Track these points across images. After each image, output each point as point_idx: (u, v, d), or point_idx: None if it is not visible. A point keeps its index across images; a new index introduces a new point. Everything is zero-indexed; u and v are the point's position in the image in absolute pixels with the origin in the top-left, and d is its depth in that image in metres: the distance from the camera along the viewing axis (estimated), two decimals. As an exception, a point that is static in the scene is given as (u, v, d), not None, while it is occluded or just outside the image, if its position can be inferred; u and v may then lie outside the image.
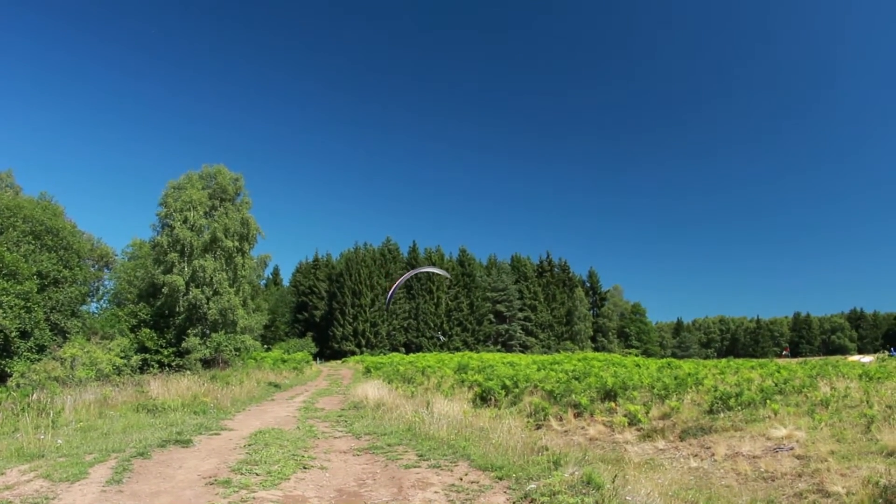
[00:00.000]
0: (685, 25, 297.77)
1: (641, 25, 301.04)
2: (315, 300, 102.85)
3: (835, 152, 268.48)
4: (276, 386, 34.52)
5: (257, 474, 9.86)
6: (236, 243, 42.67)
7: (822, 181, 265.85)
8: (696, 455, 16.15)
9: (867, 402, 18.54)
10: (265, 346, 69.66)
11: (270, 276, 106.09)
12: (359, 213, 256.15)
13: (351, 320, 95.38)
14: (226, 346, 39.89)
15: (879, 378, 24.58)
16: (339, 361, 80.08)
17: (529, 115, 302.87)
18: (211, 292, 40.26)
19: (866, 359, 62.89)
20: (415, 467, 10.70)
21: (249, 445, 12.72)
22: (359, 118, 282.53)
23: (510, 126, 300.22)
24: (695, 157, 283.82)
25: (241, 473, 9.94)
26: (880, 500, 10.44)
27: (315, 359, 78.38)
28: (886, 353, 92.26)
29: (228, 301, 40.51)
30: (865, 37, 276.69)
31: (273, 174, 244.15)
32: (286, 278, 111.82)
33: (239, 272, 43.40)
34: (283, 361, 50.22)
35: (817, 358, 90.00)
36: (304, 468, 10.53)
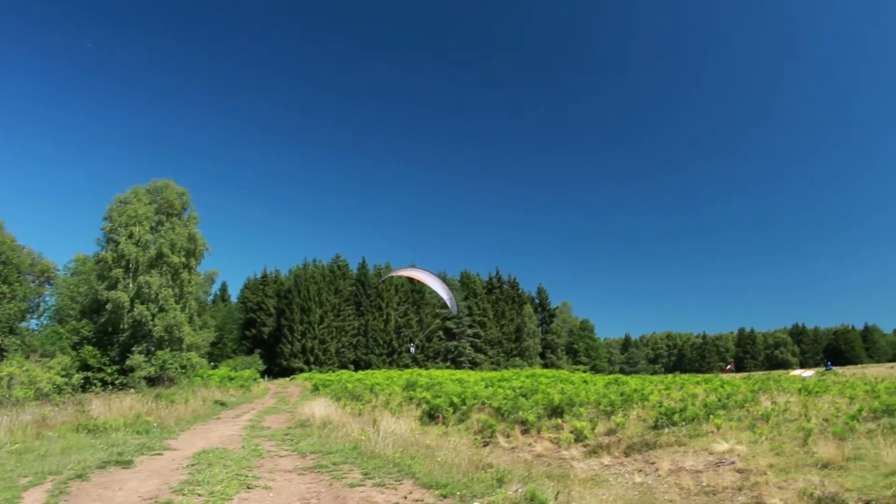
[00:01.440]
0: (634, 50, 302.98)
1: (591, 48, 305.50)
2: (263, 317, 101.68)
3: (775, 176, 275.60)
4: (223, 404, 34.03)
5: (199, 495, 9.72)
6: (183, 259, 42.09)
7: (764, 203, 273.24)
8: (640, 470, 16.30)
9: (805, 415, 18.92)
10: (212, 363, 68.59)
11: (218, 293, 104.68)
12: (308, 230, 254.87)
13: (299, 337, 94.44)
14: (171, 363, 39.23)
15: (818, 392, 25.13)
16: (287, 379, 79.08)
17: (479, 132, 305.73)
18: (156, 309, 39.62)
19: (807, 373, 64.34)
20: (359, 486, 10.66)
21: (192, 465, 12.51)
22: (307, 135, 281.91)
23: (460, 143, 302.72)
24: (643, 177, 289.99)
25: (183, 494, 9.79)
26: (815, 512, 10.68)
27: (263, 376, 77.37)
28: (823, 367, 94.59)
29: (174, 318, 39.92)
30: (805, 70, 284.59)
31: (221, 190, 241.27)
32: (234, 294, 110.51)
33: (185, 288, 42.81)
34: (231, 379, 49.51)
35: (761, 372, 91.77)
36: (248, 488, 10.41)
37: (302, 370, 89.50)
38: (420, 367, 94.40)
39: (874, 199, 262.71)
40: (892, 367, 74.31)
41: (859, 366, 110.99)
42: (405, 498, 9.78)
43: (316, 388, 47.58)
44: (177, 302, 41.34)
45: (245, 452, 14.68)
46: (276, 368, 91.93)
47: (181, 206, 44.35)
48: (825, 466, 13.38)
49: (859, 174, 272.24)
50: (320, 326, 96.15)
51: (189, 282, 43.10)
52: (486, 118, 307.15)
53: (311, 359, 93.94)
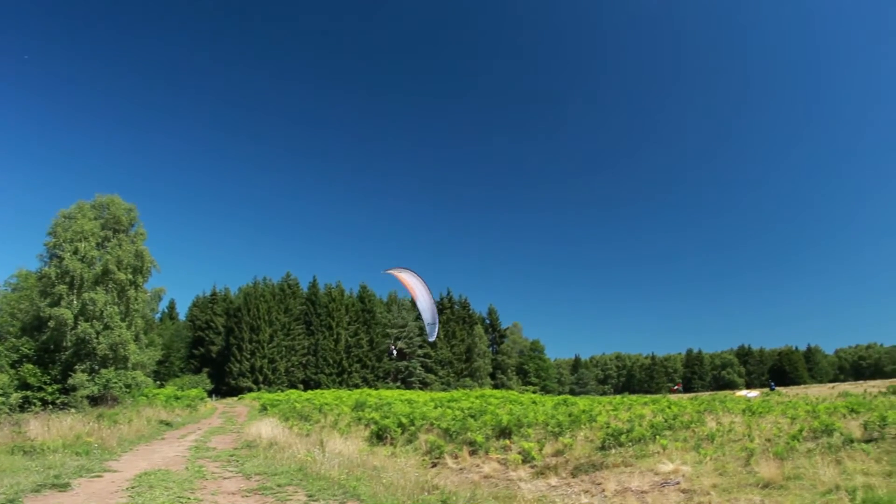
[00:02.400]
0: (585, 78, 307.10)
1: (542, 72, 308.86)
2: (212, 335, 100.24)
3: (723, 204, 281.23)
4: (168, 424, 33.41)
5: (138, 518, 9.53)
6: (129, 276, 41.32)
7: (711, 228, 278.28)
8: (587, 491, 16.37)
9: (749, 436, 19.21)
10: (158, 382, 67.38)
11: (166, 311, 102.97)
12: (258, 248, 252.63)
13: (248, 356, 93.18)
14: (115, 382, 38.35)
15: (761, 413, 25.54)
16: (235, 398, 77.89)
17: (432, 155, 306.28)
18: (101, 326, 38.76)
19: (752, 393, 65.35)
20: (304, 508, 10.56)
21: (133, 488, 12.19)
22: (255, 154, 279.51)
23: (409, 164, 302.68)
24: (593, 203, 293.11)
25: (122, 518, 9.59)
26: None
27: (211, 396, 76.22)
28: (768, 387, 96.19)
29: (120, 336, 39.06)
30: (754, 99, 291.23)
31: (170, 207, 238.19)
32: (182, 312, 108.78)
33: (132, 306, 42.00)
34: (177, 398, 48.66)
35: (708, 393, 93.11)
36: (190, 511, 10.25)
37: (251, 389, 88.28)
38: (370, 386, 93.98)
39: (817, 226, 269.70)
40: (833, 388, 75.76)
41: (802, 386, 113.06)
42: (349, 520, 9.72)
43: (264, 408, 47.02)
44: (122, 319, 40.51)
45: (188, 474, 14.40)
46: (224, 388, 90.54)
47: (129, 222, 43.60)
48: (766, 486, 13.61)
49: (803, 204, 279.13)
50: (270, 345, 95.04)
51: (135, 299, 42.29)
52: (439, 141, 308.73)
53: (261, 378, 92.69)
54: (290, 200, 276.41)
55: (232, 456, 18.66)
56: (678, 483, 15.20)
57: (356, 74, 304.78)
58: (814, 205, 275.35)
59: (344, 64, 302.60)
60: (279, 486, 12.69)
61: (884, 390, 47.46)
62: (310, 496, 11.56)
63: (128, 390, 39.44)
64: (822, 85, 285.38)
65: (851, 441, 16.00)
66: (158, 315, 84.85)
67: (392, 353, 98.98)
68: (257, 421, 31.53)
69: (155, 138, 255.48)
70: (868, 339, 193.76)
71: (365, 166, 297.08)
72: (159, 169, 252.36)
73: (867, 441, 15.79)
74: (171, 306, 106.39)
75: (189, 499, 11.16)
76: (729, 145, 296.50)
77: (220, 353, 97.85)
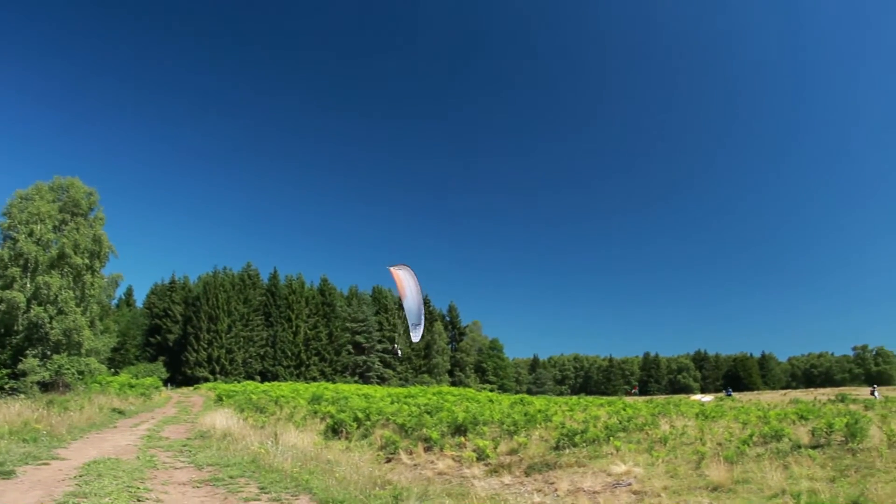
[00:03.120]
0: (541, 71, 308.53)
1: (505, 65, 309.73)
2: (169, 324, 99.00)
3: (681, 211, 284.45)
4: (121, 412, 32.91)
5: (85, 508, 9.36)
6: (86, 261, 40.74)
7: (670, 234, 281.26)
8: (540, 490, 16.45)
9: (701, 439, 19.47)
10: (112, 369, 66.47)
11: (123, 297, 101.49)
12: (219, 237, 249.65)
13: (206, 346, 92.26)
14: (68, 368, 37.77)
15: (714, 417, 25.92)
16: (191, 388, 77.00)
17: (391, 152, 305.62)
18: (55, 311, 38.16)
19: (707, 398, 66.14)
20: (254, 500, 10.43)
21: (81, 476, 11.91)
22: (218, 144, 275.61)
23: (372, 162, 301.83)
24: (555, 206, 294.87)
25: (68, 507, 9.41)
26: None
27: (166, 385, 75.41)
28: (724, 392, 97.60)
29: (74, 321, 38.49)
30: (703, 102, 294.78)
31: (131, 192, 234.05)
32: (140, 300, 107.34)
33: (87, 291, 41.41)
34: (131, 387, 48.00)
35: (663, 396, 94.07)
36: (138, 501, 10.01)
37: (207, 380, 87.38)
38: (328, 380, 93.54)
39: (775, 238, 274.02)
40: (785, 394, 77.12)
41: (756, 392, 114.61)
42: (301, 514, 9.66)
43: (220, 399, 46.60)
44: (77, 305, 39.93)
45: (139, 463, 14.19)
46: (180, 377, 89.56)
47: (88, 206, 42.97)
48: (715, 489, 13.79)
49: (760, 213, 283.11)
50: (228, 336, 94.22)
51: (92, 284, 41.71)
52: (401, 140, 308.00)
53: (217, 368, 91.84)
54: (252, 191, 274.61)
55: (185, 446, 18.45)
56: (630, 484, 15.34)
57: (313, 68, 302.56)
58: (771, 217, 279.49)
59: (303, 55, 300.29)
60: (231, 477, 12.56)
61: (832, 398, 48.28)
62: (262, 488, 11.46)
63: (80, 377, 38.86)
64: (795, 101, 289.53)
65: (799, 447, 16.29)
66: (115, 301, 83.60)
67: (397, 353, 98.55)
68: (212, 411, 31.22)
69: (118, 122, 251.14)
70: (820, 348, 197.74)
71: (327, 162, 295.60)
72: (122, 153, 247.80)
73: (814, 447, 16.08)
74: (129, 293, 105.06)
75: (138, 488, 10.97)
76: (692, 155, 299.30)
77: (177, 341, 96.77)
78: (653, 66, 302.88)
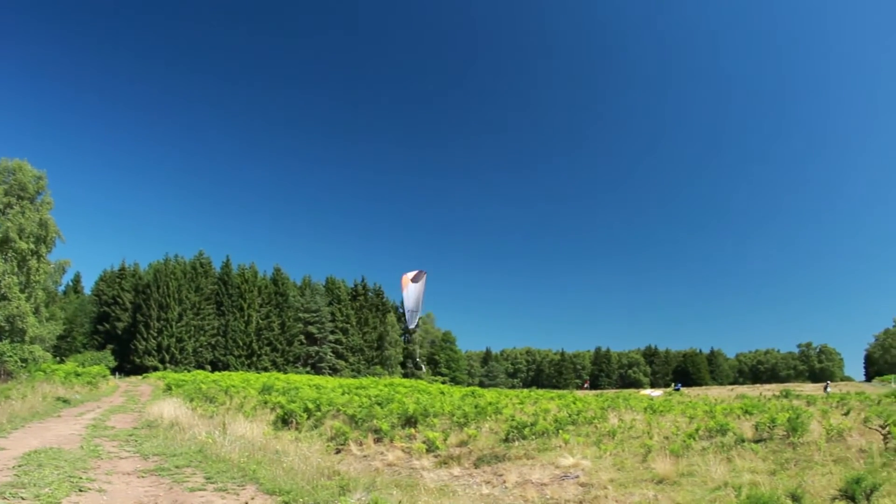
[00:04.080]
0: (494, 50, 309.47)
1: (450, 51, 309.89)
2: (118, 311, 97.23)
3: (632, 206, 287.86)
4: (66, 401, 32.31)
5: (23, 498, 9.07)
6: (32, 246, 39.89)
7: (623, 230, 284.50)
8: (488, 482, 16.54)
9: (648, 433, 19.76)
10: (58, 357, 65.36)
11: (70, 284, 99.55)
12: (171, 224, 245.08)
13: (156, 334, 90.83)
14: (10, 356, 36.96)
15: (662, 411, 26.32)
16: (139, 377, 75.71)
17: (345, 139, 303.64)
18: (-3, 297, 37.40)
19: (656, 392, 67.31)
20: (200, 490, 10.35)
21: (20, 466, 11.63)
22: (171, 126, 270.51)
23: (326, 150, 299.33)
24: (508, 197, 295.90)
25: (4, 498, 9.15)
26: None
27: (114, 373, 74.12)
28: (672, 387, 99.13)
29: (18, 308, 37.69)
30: (663, 97, 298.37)
31: (80, 175, 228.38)
32: (88, 286, 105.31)
33: (32, 277, 40.57)
34: (77, 375, 47.11)
35: (613, 390, 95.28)
36: (80, 491, 9.85)
37: (156, 368, 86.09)
38: (280, 370, 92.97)
39: (725, 235, 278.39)
40: (732, 390, 78.66)
41: (704, 387, 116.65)
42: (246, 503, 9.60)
43: (169, 388, 46.00)
44: (22, 291, 39.10)
45: (82, 453, 13.95)
46: (128, 366, 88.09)
47: (35, 189, 42.06)
48: (661, 481, 14.01)
49: (709, 213, 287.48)
50: (178, 324, 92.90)
51: (37, 270, 40.87)
52: (356, 128, 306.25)
53: (167, 357, 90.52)
54: (205, 178, 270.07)
55: (131, 436, 18.22)
56: (577, 477, 15.50)
57: (263, 49, 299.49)
58: (721, 218, 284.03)
59: (259, 38, 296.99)
60: (177, 467, 12.44)
61: (777, 393, 49.45)
62: (208, 478, 11.37)
63: (23, 364, 38.07)
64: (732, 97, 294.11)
65: (743, 441, 16.63)
66: (62, 288, 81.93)
67: (420, 367, 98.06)
68: (160, 401, 30.83)
69: (69, 103, 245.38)
70: (767, 345, 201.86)
71: (281, 150, 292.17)
72: (72, 136, 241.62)
73: (757, 441, 16.42)
74: (77, 279, 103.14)
75: (80, 478, 10.79)
76: (647, 151, 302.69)
77: (127, 330, 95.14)
78: (593, 56, 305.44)
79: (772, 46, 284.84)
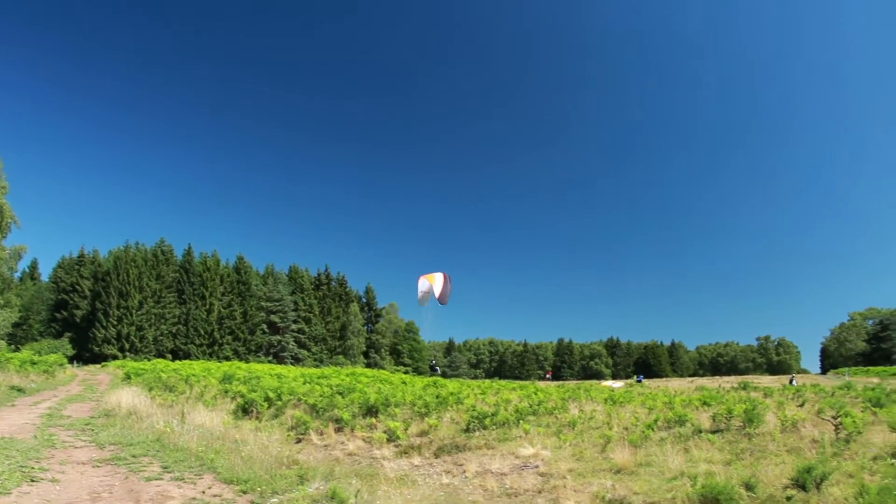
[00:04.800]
0: (454, 46, 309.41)
1: (409, 44, 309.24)
2: (77, 299, 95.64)
3: (596, 199, 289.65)
4: (21, 390, 31.76)
5: (-29, 489, 8.98)
6: (-14, 232, 39.24)
7: (585, 224, 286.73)
8: (448, 472, 16.57)
9: (608, 424, 19.95)
10: (13, 346, 64.23)
11: (27, 270, 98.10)
12: (132, 210, 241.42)
13: (115, 322, 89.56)
14: (-38, 343, 36.35)
15: (622, 402, 26.56)
16: (98, 366, 74.56)
17: (309, 129, 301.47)
18: (-50, 283, 36.71)
19: (617, 384, 67.89)
20: (157, 480, 10.26)
21: (-30, 456, 11.53)
22: (131, 111, 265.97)
23: (288, 139, 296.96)
24: (472, 189, 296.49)
25: (-48, 488, 9.03)
26: (605, 513, 11.30)
27: (72, 362, 73.07)
28: (634, 379, 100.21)
29: (-29, 294, 37.09)
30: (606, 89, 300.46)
31: (37, 161, 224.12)
32: (45, 273, 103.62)
33: (-13, 263, 39.92)
34: (33, 363, 46.27)
35: (575, 382, 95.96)
36: (32, 481, 9.69)
37: (116, 357, 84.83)
38: (241, 360, 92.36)
39: (686, 228, 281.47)
40: (691, 382, 79.48)
41: (664, 379, 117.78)
42: (203, 493, 9.52)
43: (128, 377, 45.41)
44: (-24, 277, 38.47)
45: (36, 443, 13.72)
46: (87, 354, 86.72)
47: (-10, 175, 41.32)
48: (619, 471, 14.15)
49: (673, 207, 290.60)
50: (139, 312, 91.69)
51: (-8, 256, 40.20)
52: (319, 116, 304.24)
53: (127, 346, 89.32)
54: (166, 165, 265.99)
55: (87, 425, 17.97)
56: (537, 467, 15.60)
57: (225, 41, 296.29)
58: (684, 211, 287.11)
59: (216, 24, 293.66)
60: (134, 456, 12.31)
61: (736, 385, 50.05)
62: (164, 467, 11.28)
63: (-25, 353, 37.34)
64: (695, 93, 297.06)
65: (700, 431, 16.86)
66: (18, 274, 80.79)
67: (435, 370, 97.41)
68: (119, 390, 30.43)
69: (25, 86, 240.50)
70: (726, 338, 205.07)
71: (244, 139, 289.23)
72: (30, 120, 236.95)
73: (714, 432, 16.66)
74: (34, 266, 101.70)
75: (33, 468, 10.62)
76: (608, 143, 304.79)
77: (85, 318, 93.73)
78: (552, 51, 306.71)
79: (736, 46, 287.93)
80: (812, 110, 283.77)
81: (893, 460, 11.72)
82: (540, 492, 13.85)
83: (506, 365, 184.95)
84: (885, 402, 22.36)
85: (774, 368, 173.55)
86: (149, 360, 78.78)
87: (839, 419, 14.90)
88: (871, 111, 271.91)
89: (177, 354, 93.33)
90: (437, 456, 18.43)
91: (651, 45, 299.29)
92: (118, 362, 74.75)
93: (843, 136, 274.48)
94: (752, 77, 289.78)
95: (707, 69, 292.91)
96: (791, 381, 58.12)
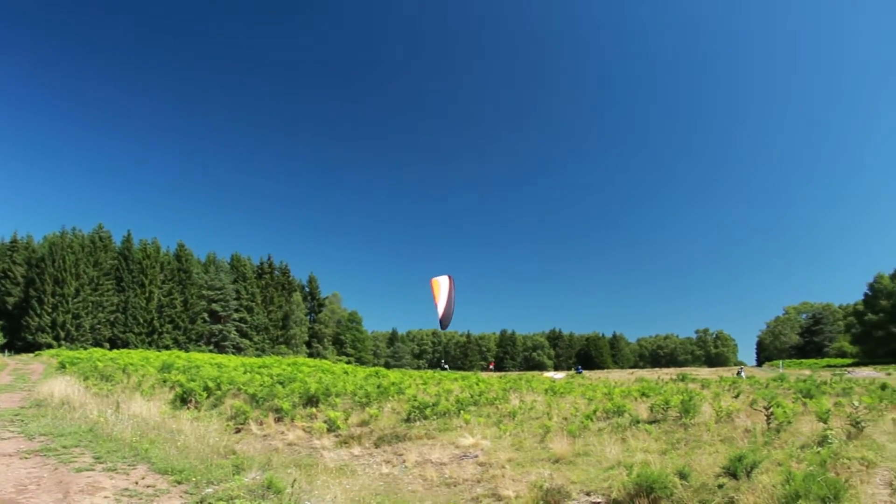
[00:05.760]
0: (414, 29, 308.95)
1: (373, 29, 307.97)
2: (9, 286, 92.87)
3: (538, 190, 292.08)
4: (-55, 380, 30.95)
5: None
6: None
7: (527, 216, 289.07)
8: (388, 462, 16.61)
9: (548, 414, 20.18)
10: (-59, 335, 62.46)
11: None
12: (68, 195, 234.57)
13: (50, 310, 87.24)
14: None
15: (562, 393, 26.90)
16: (31, 355, 72.79)
17: (250, 114, 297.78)
18: None
19: (559, 375, 68.63)
20: (88, 471, 10.04)
21: None
22: (65, 96, 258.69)
23: (231, 126, 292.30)
24: (416, 180, 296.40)
25: None
26: (542, 502, 11.41)
27: (3, 351, 71.40)
28: (575, 370, 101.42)
29: None
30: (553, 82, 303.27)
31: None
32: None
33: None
34: (-40, 352, 45.20)
35: (517, 372, 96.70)
36: (-48, 474, 9.48)
37: (50, 346, 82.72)
38: (182, 349, 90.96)
39: (629, 222, 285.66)
40: (632, 373, 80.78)
41: (605, 370, 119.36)
42: (136, 483, 9.35)
43: (63, 366, 44.43)
44: None
45: (-39, 433, 13.40)
46: (19, 343, 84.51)
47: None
48: (557, 461, 14.34)
49: (616, 203, 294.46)
50: (75, 300, 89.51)
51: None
52: (261, 104, 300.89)
53: (62, 334, 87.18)
54: (104, 149, 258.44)
55: (17, 415, 17.49)
56: (476, 456, 15.71)
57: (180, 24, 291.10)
58: (628, 206, 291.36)
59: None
60: (64, 447, 12.03)
61: (674, 377, 50.96)
62: (97, 458, 11.04)
63: None
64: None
65: (638, 422, 17.17)
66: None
67: (443, 365, 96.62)
68: (52, 379, 29.78)
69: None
70: (667, 330, 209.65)
71: (182, 126, 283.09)
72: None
73: (651, 422, 16.98)
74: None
75: (-45, 461, 10.36)
76: (555, 138, 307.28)
77: (18, 305, 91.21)
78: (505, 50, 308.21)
79: (684, 47, 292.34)
80: (750, 108, 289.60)
81: (819, 448, 12.09)
82: (479, 481, 13.95)
83: (449, 355, 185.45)
84: (815, 394, 23.11)
85: (713, 361, 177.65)
86: (85, 348, 77.16)
87: (771, 410, 15.32)
88: (805, 109, 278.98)
89: (115, 343, 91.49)
90: (377, 446, 18.46)
91: (600, 42, 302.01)
92: (53, 351, 73.08)
93: (780, 131, 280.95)
94: (694, 77, 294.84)
95: (652, 71, 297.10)
96: (739, 373, 59.13)
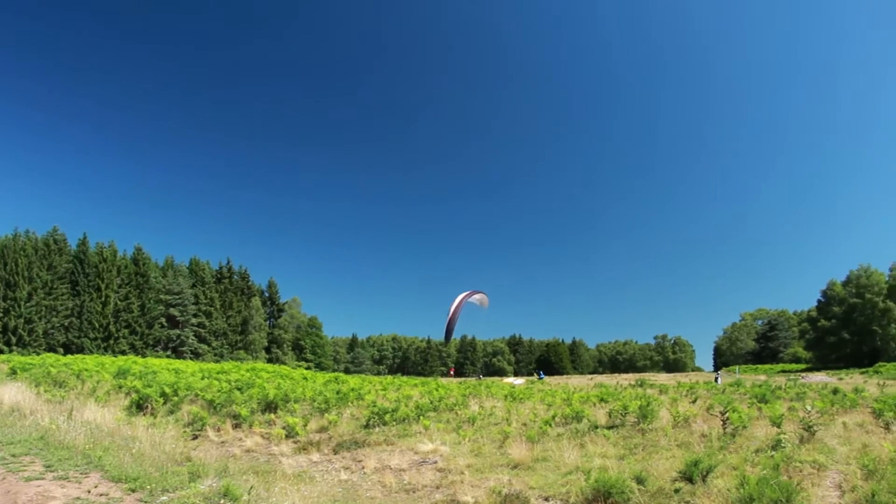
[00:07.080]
0: (395, 40, 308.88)
1: (337, 34, 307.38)
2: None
3: (498, 199, 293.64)
4: None
5: None
6: None
7: (488, 225, 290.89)
8: (347, 468, 16.50)
9: (507, 420, 20.24)
10: None
11: None
12: (21, 197, 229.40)
13: (1, 315, 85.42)
14: None
15: (522, 399, 26.99)
16: (-20, 361, 71.56)
17: (213, 117, 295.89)
18: None
19: (519, 381, 68.79)
20: (38, 479, 9.81)
21: None
22: (21, 97, 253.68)
23: (194, 130, 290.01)
24: (375, 187, 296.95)
25: None
26: (501, 507, 11.46)
27: (-49, 356, 69.77)
28: (536, 376, 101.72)
29: None
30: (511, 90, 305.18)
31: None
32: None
33: None
34: None
35: (476, 378, 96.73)
36: None
37: (2, 351, 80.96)
38: (138, 354, 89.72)
39: (588, 230, 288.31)
40: (591, 379, 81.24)
41: (565, 376, 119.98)
42: (89, 492, 9.17)
43: (14, 372, 43.47)
44: None
45: None
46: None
47: None
48: (516, 467, 14.37)
49: (578, 211, 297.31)
50: (27, 304, 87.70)
51: None
52: (222, 106, 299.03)
53: (14, 339, 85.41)
54: (58, 153, 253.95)
55: (-36, 423, 17.13)
56: (436, 462, 15.68)
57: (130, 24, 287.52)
58: (586, 213, 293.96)
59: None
60: (13, 455, 11.75)
61: (633, 382, 51.41)
62: (48, 466, 10.81)
63: None
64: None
65: (597, 427, 17.29)
66: None
67: (480, 377, 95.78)
68: (2, 385, 29.13)
69: None
70: (626, 336, 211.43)
71: (140, 131, 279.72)
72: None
73: (610, 427, 17.11)
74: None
75: None
76: (516, 148, 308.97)
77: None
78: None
79: (647, 52, 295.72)
80: (706, 120, 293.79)
81: (773, 452, 12.28)
82: (438, 487, 13.92)
83: (409, 361, 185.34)
84: (769, 399, 23.47)
85: (671, 366, 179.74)
86: (38, 354, 75.76)
87: (727, 415, 15.52)
88: (762, 119, 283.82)
89: (69, 348, 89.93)
90: (336, 452, 18.36)
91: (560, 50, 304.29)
92: (4, 356, 71.35)
93: (737, 139, 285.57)
94: (660, 82, 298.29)
95: (621, 76, 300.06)
96: (716, 380, 58.47)
